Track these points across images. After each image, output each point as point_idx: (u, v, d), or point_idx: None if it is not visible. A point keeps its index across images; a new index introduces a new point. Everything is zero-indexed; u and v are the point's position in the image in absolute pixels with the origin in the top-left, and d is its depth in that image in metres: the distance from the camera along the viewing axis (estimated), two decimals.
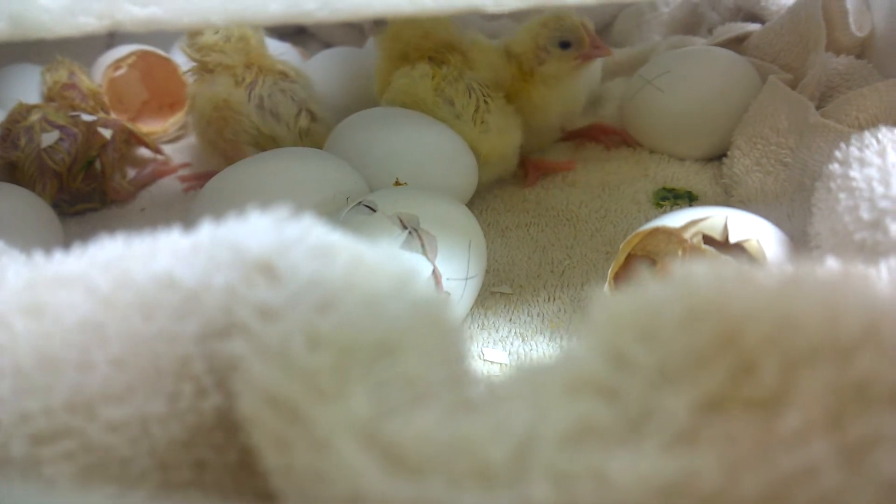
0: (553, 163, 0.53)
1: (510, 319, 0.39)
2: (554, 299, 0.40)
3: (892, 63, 0.46)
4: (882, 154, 0.27)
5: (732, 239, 0.29)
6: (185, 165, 0.59)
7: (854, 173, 0.27)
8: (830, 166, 0.30)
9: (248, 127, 0.50)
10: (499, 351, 0.37)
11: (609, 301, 0.13)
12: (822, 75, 0.46)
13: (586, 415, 0.11)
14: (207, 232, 0.16)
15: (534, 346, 0.37)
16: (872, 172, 0.26)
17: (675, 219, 0.31)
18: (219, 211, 0.39)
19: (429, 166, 0.45)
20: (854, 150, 0.29)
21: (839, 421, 0.10)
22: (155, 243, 0.16)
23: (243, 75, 0.50)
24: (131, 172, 0.58)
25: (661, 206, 0.48)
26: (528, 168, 0.52)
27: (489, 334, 0.38)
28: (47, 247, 0.42)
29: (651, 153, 0.54)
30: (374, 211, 0.35)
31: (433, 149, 0.45)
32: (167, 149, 0.62)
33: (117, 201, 0.54)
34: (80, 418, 0.16)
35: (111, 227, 0.51)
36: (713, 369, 0.11)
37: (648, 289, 0.12)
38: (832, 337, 0.11)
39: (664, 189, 0.50)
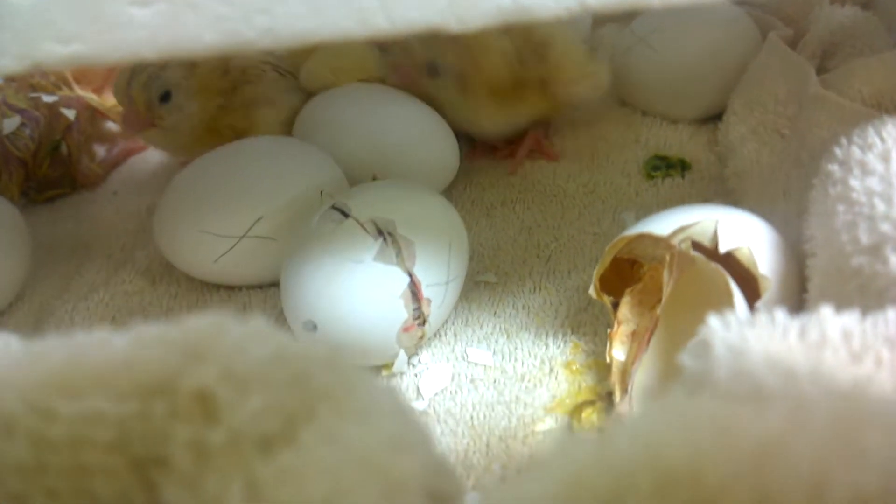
0: None
1: (495, 313, 0.38)
2: (540, 289, 0.39)
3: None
4: (886, 158, 0.25)
5: (722, 248, 0.28)
6: None
7: (854, 182, 0.25)
8: (829, 166, 0.28)
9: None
10: (483, 350, 0.36)
11: (572, 447, 0.11)
12: (825, 32, 0.43)
13: None
14: (143, 350, 0.15)
15: (518, 344, 0.36)
16: (874, 184, 0.24)
17: (663, 224, 0.29)
18: (188, 204, 0.38)
19: (408, 148, 0.43)
20: (856, 151, 0.27)
21: None
22: (84, 371, 0.14)
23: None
24: (101, 151, 0.56)
25: (653, 177, 0.46)
26: None
27: (473, 331, 0.37)
28: (9, 247, 0.41)
29: (644, 115, 0.52)
30: (347, 216, 0.33)
31: (413, 129, 0.43)
32: None
33: (87, 185, 0.52)
34: None
35: (82, 214, 0.49)
36: None
37: (616, 445, 0.11)
38: None
39: (656, 157, 0.47)
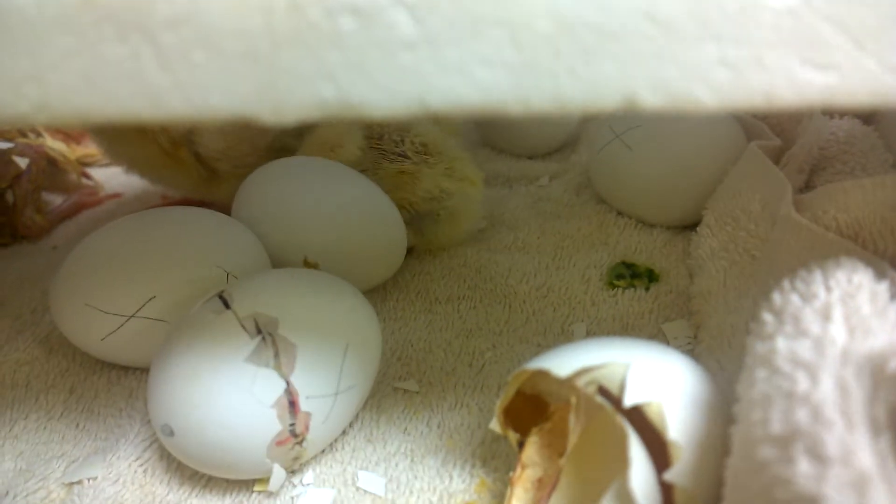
0: None
1: (405, 429, 0.33)
2: (461, 406, 0.34)
3: None
4: (826, 316, 0.21)
5: (628, 400, 0.23)
6: (114, 196, 0.55)
7: (781, 343, 0.20)
8: (763, 314, 0.23)
9: None
10: (377, 476, 0.31)
11: None
12: (814, 144, 0.39)
13: None
14: None
15: (420, 472, 0.31)
16: (803, 351, 0.19)
17: (565, 362, 0.24)
18: (82, 275, 0.34)
19: (350, 230, 0.39)
20: (795, 300, 0.22)
21: None
22: None
23: None
24: (57, 200, 0.54)
25: (616, 286, 0.41)
26: None
27: (375, 449, 0.32)
28: None
29: (619, 215, 0.47)
30: (228, 307, 0.29)
31: (356, 209, 0.40)
32: (102, 174, 0.58)
33: (28, 237, 0.50)
34: None
35: (11, 267, 0.47)
36: None
37: None
38: None
39: (623, 264, 0.43)
